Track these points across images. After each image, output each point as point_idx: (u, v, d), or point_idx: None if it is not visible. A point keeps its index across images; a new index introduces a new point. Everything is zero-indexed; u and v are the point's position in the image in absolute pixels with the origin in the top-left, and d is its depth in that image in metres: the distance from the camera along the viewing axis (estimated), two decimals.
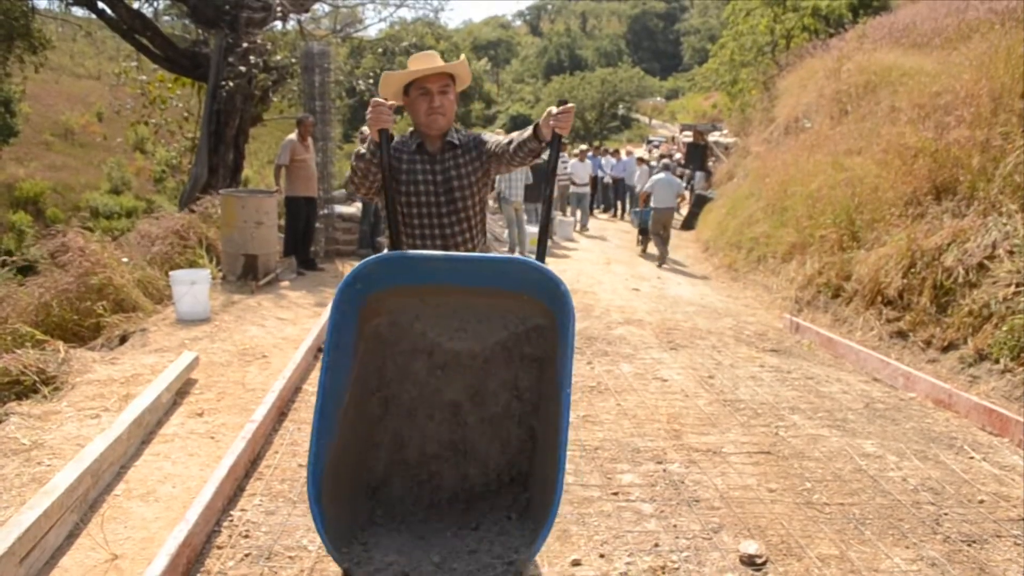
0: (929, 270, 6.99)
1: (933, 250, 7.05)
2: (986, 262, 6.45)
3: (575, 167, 18.00)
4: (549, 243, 14.91)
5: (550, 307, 2.57)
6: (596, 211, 22.11)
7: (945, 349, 6.44)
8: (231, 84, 12.06)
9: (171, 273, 7.32)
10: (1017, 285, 6.02)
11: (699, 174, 22.54)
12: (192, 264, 8.93)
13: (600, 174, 21.55)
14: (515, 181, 12.59)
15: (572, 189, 18.02)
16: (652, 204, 13.64)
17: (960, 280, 6.56)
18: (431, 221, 3.30)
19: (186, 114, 16.36)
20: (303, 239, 10.02)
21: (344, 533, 2.47)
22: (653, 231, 13.71)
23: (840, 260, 8.52)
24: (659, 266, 13.28)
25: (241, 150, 13.46)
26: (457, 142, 3.31)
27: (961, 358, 6.21)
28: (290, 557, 3.18)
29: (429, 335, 2.78)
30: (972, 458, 4.53)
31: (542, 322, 2.66)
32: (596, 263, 12.69)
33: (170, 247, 9.30)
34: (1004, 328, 5.85)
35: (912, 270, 7.20)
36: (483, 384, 2.78)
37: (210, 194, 11.07)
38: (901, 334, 6.99)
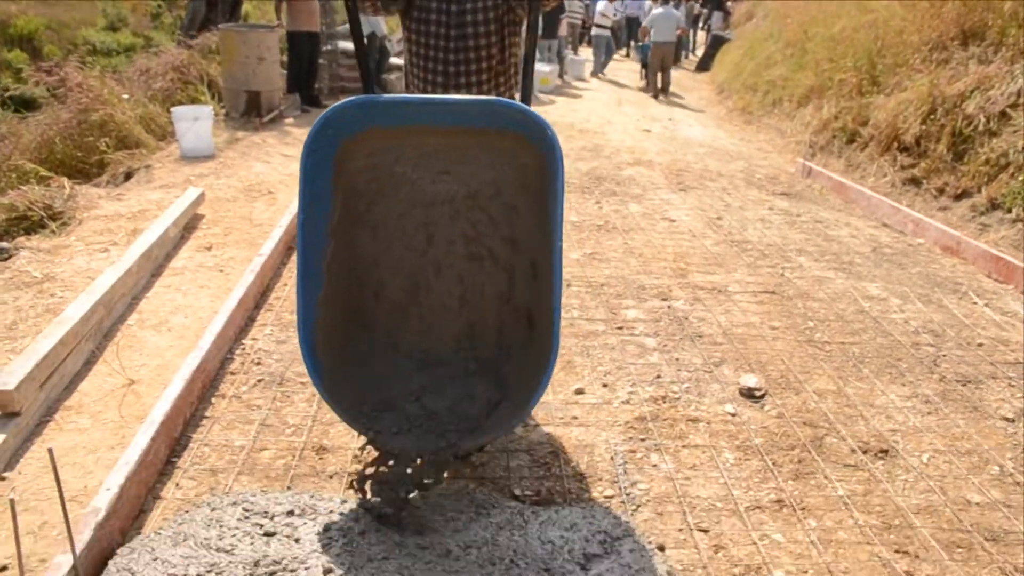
0: (949, 117, 6.80)
1: (955, 97, 6.84)
2: (1009, 111, 6.27)
3: (603, 6, 17.18)
4: (559, 82, 14.63)
5: (536, 145, 2.48)
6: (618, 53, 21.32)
7: (958, 197, 6.36)
8: None
9: (173, 109, 7.18)
10: None
11: (717, 14, 21.59)
12: (194, 101, 8.73)
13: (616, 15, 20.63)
14: None
15: (595, 31, 17.35)
16: (652, 38, 13.99)
17: (980, 128, 6.40)
18: (436, 64, 3.03)
19: None
20: (306, 75, 9.76)
21: (342, 384, 2.49)
22: (651, 66, 14.14)
23: (858, 105, 8.30)
24: (654, 97, 13.81)
25: None
26: None
27: (973, 206, 6.15)
28: (301, 383, 3.27)
29: (411, 177, 2.71)
30: (975, 303, 4.57)
31: (528, 161, 2.57)
32: (607, 104, 12.41)
33: (171, 83, 9.06)
34: (1021, 178, 5.76)
35: (931, 116, 7.01)
36: (469, 227, 2.73)
37: (209, 30, 10.69)
38: (914, 181, 6.89)
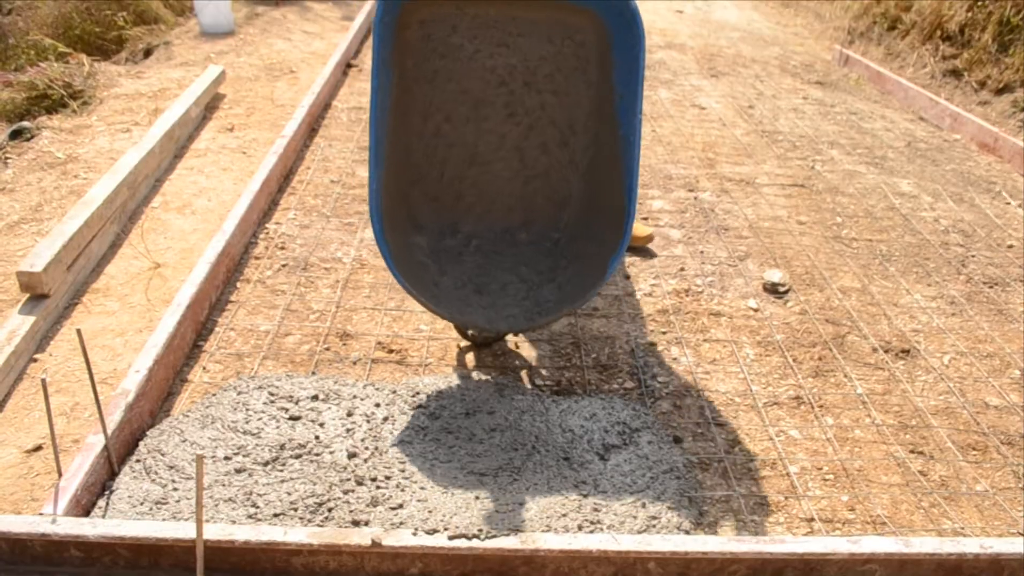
0: (998, 3, 6.48)
1: None
2: None
3: None
4: None
5: (605, 20, 2.38)
6: None
7: (999, 91, 6.13)
8: None
9: None
10: None
11: None
12: None
13: None
14: None
15: None
16: None
17: None
18: None
19: None
20: None
21: (407, 257, 2.52)
22: None
23: None
24: None
25: None
26: None
27: (1014, 102, 5.93)
28: (325, 268, 3.29)
29: (467, 49, 2.64)
30: (1008, 204, 4.47)
31: (586, 35, 2.48)
32: None
33: None
34: None
35: (979, 3, 6.68)
36: (526, 103, 2.68)
37: None
38: (955, 73, 6.64)
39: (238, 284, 3.14)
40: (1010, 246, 3.93)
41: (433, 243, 2.71)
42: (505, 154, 2.73)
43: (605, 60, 2.48)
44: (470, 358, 2.78)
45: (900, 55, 7.38)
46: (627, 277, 3.38)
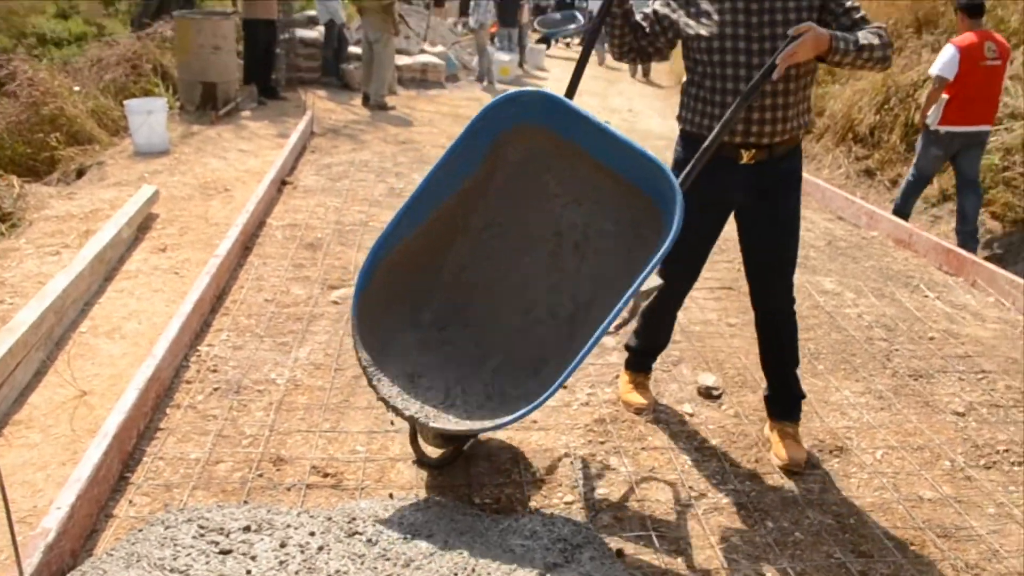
0: (903, 107, 6.92)
1: (908, 86, 6.96)
2: None
3: None
4: (520, 72, 14.49)
5: (664, 219, 2.41)
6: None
7: None
8: None
9: (126, 102, 7.03)
10: None
11: None
12: (147, 93, 8.56)
13: None
14: (482, 3, 12.14)
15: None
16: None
17: None
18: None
19: None
20: (263, 65, 9.60)
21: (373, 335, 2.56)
22: None
23: (814, 95, 8.39)
24: (633, 75, 15.12)
25: None
26: None
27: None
28: (259, 391, 3.24)
29: (550, 191, 2.70)
30: (927, 296, 4.65)
31: (649, 233, 2.52)
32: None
33: (124, 75, 8.89)
34: None
35: (886, 107, 7.12)
36: (564, 261, 2.70)
37: (163, 19, 10.48)
38: (868, 172, 7.00)
39: (168, 410, 3.07)
40: (931, 338, 4.07)
41: (414, 323, 2.72)
42: (518, 295, 2.73)
43: (651, 246, 2.48)
44: (408, 478, 2.74)
45: (816, 157, 7.76)
46: (564, 387, 3.39)
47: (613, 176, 2.56)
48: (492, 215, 2.74)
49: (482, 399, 2.58)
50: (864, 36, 2.52)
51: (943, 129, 5.51)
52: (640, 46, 2.79)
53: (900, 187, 6.10)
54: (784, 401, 3.01)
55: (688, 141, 2.79)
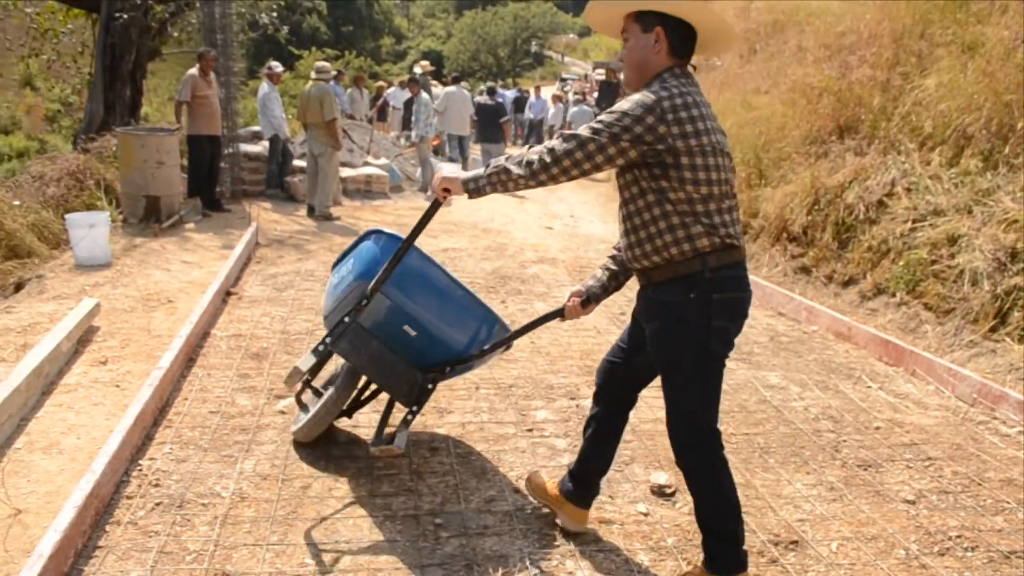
0: (832, 207, 7.21)
1: (836, 188, 7.27)
2: (885, 199, 6.69)
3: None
4: None
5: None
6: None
7: (846, 284, 6.69)
8: (125, 16, 11.38)
9: (67, 216, 6.98)
10: (913, 221, 6.26)
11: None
12: (90, 207, 8.50)
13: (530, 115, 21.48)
14: (423, 117, 12.48)
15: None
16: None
17: (860, 217, 6.80)
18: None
19: (80, 47, 15.37)
20: (207, 179, 9.66)
21: None
22: None
23: (748, 198, 8.71)
24: None
25: (139, 86, 12.78)
26: None
27: (860, 292, 6.47)
28: (203, 504, 3.13)
29: None
30: (869, 387, 4.76)
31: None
32: (510, 202, 12.63)
33: (66, 189, 8.82)
34: (900, 263, 6.10)
35: (816, 207, 7.41)
36: None
37: (107, 133, 10.53)
38: (805, 270, 7.22)
39: (107, 527, 2.94)
40: (877, 427, 4.15)
41: None
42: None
43: None
44: None
45: (754, 256, 8.00)
46: (516, 491, 3.36)
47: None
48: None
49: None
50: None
51: None
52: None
53: None
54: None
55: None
